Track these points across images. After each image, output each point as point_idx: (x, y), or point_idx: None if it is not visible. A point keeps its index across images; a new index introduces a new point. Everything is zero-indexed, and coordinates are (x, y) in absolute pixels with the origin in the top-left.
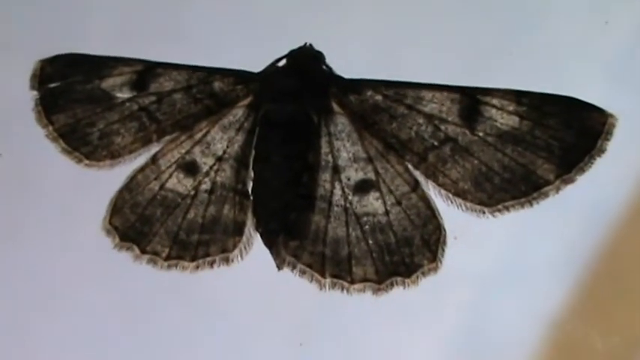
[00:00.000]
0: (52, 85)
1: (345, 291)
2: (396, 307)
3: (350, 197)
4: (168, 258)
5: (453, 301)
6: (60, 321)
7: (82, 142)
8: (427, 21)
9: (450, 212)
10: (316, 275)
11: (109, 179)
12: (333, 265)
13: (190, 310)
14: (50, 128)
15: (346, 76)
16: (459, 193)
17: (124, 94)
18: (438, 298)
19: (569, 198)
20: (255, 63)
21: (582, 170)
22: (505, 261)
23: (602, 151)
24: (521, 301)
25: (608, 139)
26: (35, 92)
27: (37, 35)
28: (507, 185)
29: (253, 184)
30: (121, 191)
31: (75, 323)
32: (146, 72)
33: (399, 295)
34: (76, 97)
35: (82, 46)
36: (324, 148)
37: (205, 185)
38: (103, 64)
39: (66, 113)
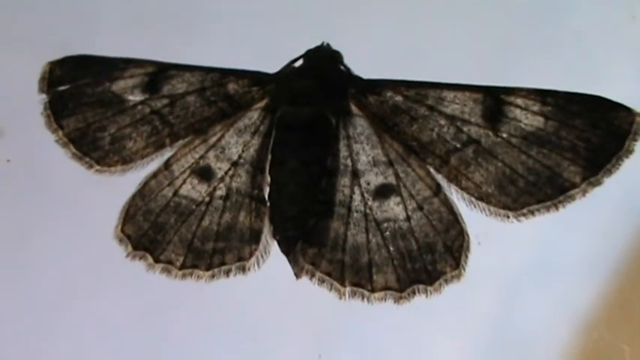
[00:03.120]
0: (62, 88)
1: (365, 300)
2: (419, 316)
3: (370, 202)
4: (182, 267)
5: (477, 308)
6: (71, 327)
7: (93, 147)
8: (448, 17)
9: (474, 217)
10: (335, 284)
11: (121, 185)
12: (352, 273)
13: (205, 319)
14: (60, 133)
15: (365, 76)
16: (483, 197)
17: (135, 97)
18: (462, 305)
19: (597, 198)
20: (271, 62)
21: (609, 172)
22: (529, 266)
23: (630, 151)
24: (546, 307)
25: (636, 140)
26: (44, 96)
27: (45, 32)
28: (532, 188)
29: (270, 190)
30: (133, 198)
31: (87, 329)
32: (158, 74)
33: (422, 303)
34: (86, 101)
35: (93, 40)
36: (343, 152)
37: (220, 191)
38: (113, 66)
39: (76, 117)
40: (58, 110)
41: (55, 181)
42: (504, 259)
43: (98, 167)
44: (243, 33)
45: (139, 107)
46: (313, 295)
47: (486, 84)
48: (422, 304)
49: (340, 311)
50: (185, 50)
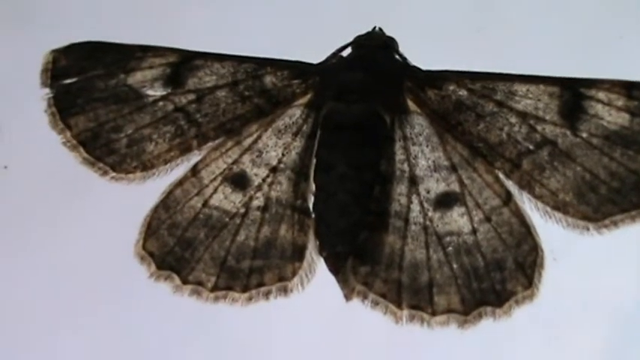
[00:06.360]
0: (68, 80)
1: (425, 324)
2: (483, 342)
3: (430, 213)
4: (215, 289)
5: (552, 334)
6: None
7: (107, 150)
8: None
9: (549, 229)
10: (391, 306)
11: (141, 194)
12: (411, 294)
13: (236, 353)
14: (68, 134)
15: (423, 67)
16: (559, 207)
17: (155, 92)
18: (534, 331)
19: None
20: (315, 50)
21: None
22: (612, 288)
23: None
24: (630, 334)
25: None
26: (47, 90)
27: (48, 12)
28: (616, 196)
29: (315, 200)
30: (156, 210)
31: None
32: (182, 64)
33: (487, 327)
34: (98, 96)
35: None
36: (399, 155)
37: (257, 201)
38: (128, 55)
39: (86, 115)
40: (64, 107)
41: (60, 192)
42: (583, 279)
43: (114, 174)
44: (280, 14)
45: (161, 104)
46: (367, 321)
47: (564, 76)
48: (487, 328)
49: (398, 339)
50: (206, 34)
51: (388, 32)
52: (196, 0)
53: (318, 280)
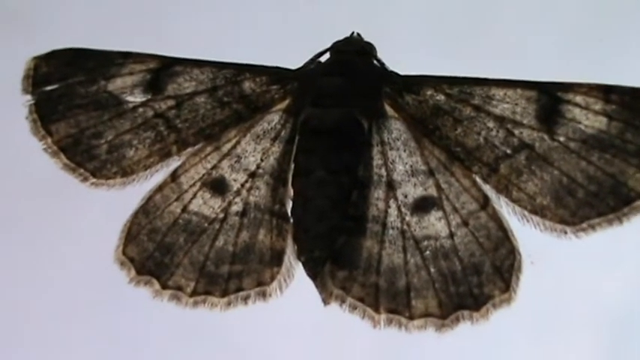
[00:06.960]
0: (49, 87)
1: (403, 328)
2: (462, 347)
3: (407, 218)
4: (194, 293)
5: (528, 338)
6: None
7: (88, 156)
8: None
9: (526, 233)
10: (369, 310)
11: (121, 200)
12: (388, 299)
13: (220, 352)
14: (49, 140)
15: (405, 72)
16: (537, 210)
17: (135, 98)
18: (511, 334)
19: None
20: (293, 56)
21: None
22: (590, 291)
23: None
24: (608, 336)
25: None
26: (29, 97)
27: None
28: (593, 200)
29: (293, 205)
30: (135, 215)
31: None
32: (162, 70)
33: (466, 332)
34: (79, 102)
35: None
36: (377, 160)
37: (236, 206)
38: (109, 61)
39: (67, 122)
40: (45, 114)
41: (42, 197)
42: (560, 282)
43: (94, 180)
44: (260, 19)
45: (141, 110)
46: (345, 325)
47: (543, 79)
48: (466, 332)
49: (377, 343)
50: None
51: (369, 38)
52: (196, 5)
53: (297, 284)
